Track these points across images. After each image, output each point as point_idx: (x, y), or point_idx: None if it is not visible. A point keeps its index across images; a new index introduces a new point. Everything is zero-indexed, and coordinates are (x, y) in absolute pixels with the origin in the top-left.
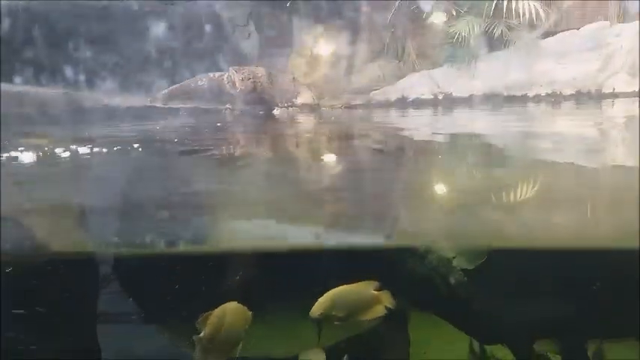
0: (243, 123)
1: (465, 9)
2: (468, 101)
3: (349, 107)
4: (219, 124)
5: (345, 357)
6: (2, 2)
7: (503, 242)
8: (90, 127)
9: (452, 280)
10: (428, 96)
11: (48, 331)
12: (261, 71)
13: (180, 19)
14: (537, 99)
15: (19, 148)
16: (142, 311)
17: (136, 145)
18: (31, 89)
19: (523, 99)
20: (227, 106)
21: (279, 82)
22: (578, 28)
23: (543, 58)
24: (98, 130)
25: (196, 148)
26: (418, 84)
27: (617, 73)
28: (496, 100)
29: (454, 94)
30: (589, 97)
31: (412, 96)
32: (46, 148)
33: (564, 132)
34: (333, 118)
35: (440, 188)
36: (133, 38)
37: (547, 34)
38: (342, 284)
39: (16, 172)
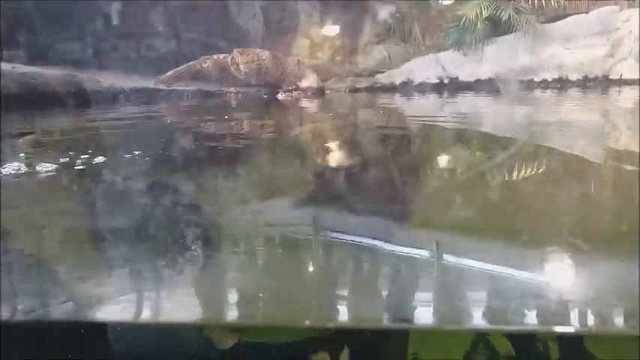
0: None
1: None
2: (473, 86)
3: (354, 90)
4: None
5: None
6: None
7: None
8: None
9: None
10: (434, 80)
11: None
12: (265, 54)
13: None
14: (544, 84)
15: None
16: None
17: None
18: (34, 70)
19: (529, 84)
20: (231, 89)
21: (284, 64)
22: (587, 12)
23: (550, 43)
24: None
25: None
26: (424, 67)
27: (625, 59)
28: (502, 85)
29: (460, 78)
30: (596, 83)
31: (418, 79)
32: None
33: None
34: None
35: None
36: (135, 18)
37: (555, 18)
38: None
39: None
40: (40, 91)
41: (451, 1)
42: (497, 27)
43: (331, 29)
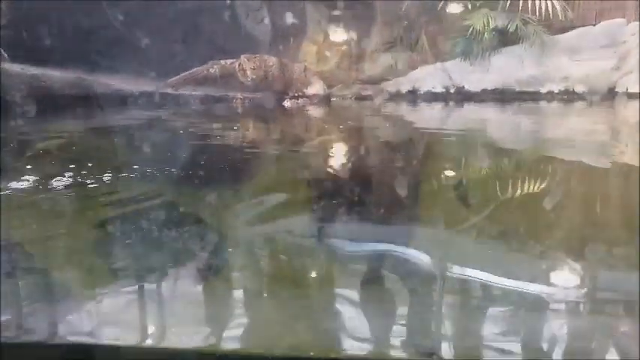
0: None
1: (481, 2)
2: (479, 96)
3: (360, 98)
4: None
5: None
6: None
7: None
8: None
9: None
10: (439, 89)
11: None
12: (272, 60)
13: (193, 2)
14: (550, 95)
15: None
16: None
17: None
18: (45, 72)
19: (535, 95)
20: (237, 94)
21: (291, 71)
22: (594, 24)
23: (557, 54)
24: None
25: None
26: (430, 76)
27: (631, 72)
28: (508, 96)
29: (466, 88)
30: (602, 96)
31: (424, 88)
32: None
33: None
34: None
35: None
36: (146, 23)
37: (563, 30)
38: None
39: None
40: (50, 94)
41: (459, 11)
42: (505, 37)
43: (338, 36)
